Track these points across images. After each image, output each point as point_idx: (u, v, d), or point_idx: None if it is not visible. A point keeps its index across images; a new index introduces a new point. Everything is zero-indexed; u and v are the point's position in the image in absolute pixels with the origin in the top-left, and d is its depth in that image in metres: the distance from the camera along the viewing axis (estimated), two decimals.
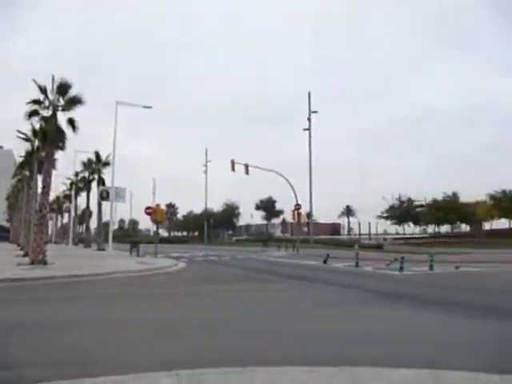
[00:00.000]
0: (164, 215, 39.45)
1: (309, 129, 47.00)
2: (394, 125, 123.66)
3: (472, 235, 55.61)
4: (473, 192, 79.82)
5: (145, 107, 32.12)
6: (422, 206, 54.18)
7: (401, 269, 17.91)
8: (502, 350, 5.86)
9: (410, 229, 60.32)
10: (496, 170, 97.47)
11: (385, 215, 55.25)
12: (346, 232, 76.83)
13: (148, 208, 29.17)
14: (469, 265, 21.02)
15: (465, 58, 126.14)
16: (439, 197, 54.02)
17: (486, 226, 59.74)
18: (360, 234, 55.95)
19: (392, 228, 61.26)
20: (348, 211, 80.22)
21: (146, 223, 75.86)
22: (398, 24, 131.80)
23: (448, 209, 51.28)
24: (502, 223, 59.62)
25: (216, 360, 4.96)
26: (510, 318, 8.22)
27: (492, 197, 56.47)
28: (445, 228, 60.25)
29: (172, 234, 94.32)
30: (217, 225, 76.27)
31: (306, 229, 54.17)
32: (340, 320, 8.03)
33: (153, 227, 52.55)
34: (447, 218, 52.09)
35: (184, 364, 4.64)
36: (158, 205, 30.65)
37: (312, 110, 47.18)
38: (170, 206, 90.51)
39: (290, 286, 13.69)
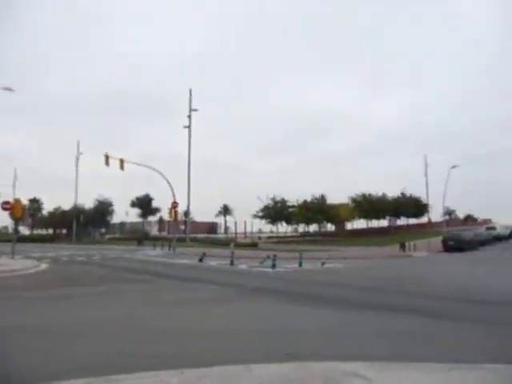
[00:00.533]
0: (24, 211, 35.61)
1: (189, 126, 46.68)
2: (273, 127, 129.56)
3: (336, 234, 60.87)
4: (338, 195, 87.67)
5: (5, 89, 28.56)
6: (293, 206, 57.48)
7: (273, 266, 18.73)
8: (359, 338, 6.40)
9: (283, 228, 63.76)
10: (358, 176, 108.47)
11: (260, 215, 57.39)
12: (223, 231, 78.03)
13: (6, 203, 25.94)
14: (333, 261, 22.87)
15: (337, 66, 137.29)
16: (309, 198, 58.03)
17: (348, 225, 66.15)
18: (236, 233, 57.33)
19: (267, 227, 64.12)
20: (225, 210, 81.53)
21: (4, 220, 67.66)
22: (275, 24, 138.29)
23: (316, 210, 55.30)
24: (361, 223, 66.71)
25: (75, 368, 4.52)
26: (366, 309, 9.08)
27: (353, 200, 62.53)
28: (313, 227, 64.97)
29: (35, 231, 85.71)
30: (88, 222, 71.40)
31: (183, 227, 53.69)
32: (212, 318, 8.00)
33: (12, 224, 47.09)
34: (315, 218, 56.12)
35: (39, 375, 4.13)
36: (17, 199, 27.47)
37: (193, 107, 46.97)
38: (34, 201, 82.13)
39: (165, 286, 13.34)
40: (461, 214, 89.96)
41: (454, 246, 33.44)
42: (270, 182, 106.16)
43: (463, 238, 35.44)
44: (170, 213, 34.57)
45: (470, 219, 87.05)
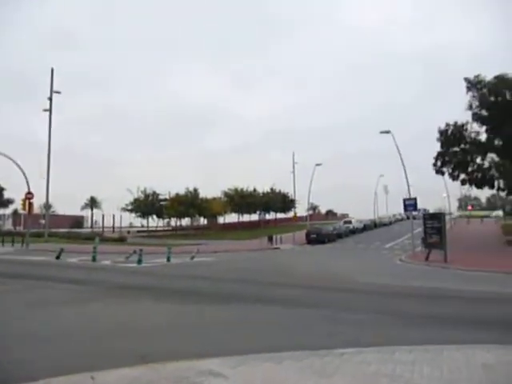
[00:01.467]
0: None
1: (50, 110, 42.35)
2: (152, 120, 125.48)
3: (209, 228, 61.24)
4: (213, 189, 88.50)
5: None
6: (165, 199, 56.13)
7: (139, 261, 17.90)
8: (220, 332, 6.27)
9: (155, 222, 61.81)
10: (233, 171, 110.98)
11: (129, 208, 54.87)
12: (89, 225, 72.79)
13: None
14: (203, 255, 22.84)
15: (221, 67, 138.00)
16: (182, 192, 57.24)
17: (221, 219, 66.99)
18: (104, 227, 53.97)
19: (137, 221, 61.45)
20: (92, 203, 76.20)
21: None
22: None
23: (189, 203, 54.78)
24: (233, 217, 67.98)
25: None
26: (232, 301, 9.10)
27: (226, 194, 63.51)
28: (186, 221, 64.29)
29: None
30: None
31: (43, 221, 48.73)
32: (59, 321, 7.20)
33: None
34: (188, 211, 55.58)
35: None
36: None
37: (56, 89, 42.61)
38: None
39: (13, 288, 11.69)
40: (323, 209, 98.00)
41: (316, 238, 36.19)
42: (145, 174, 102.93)
43: (324, 231, 38.59)
44: (24, 205, 30.91)
45: (330, 214, 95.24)
